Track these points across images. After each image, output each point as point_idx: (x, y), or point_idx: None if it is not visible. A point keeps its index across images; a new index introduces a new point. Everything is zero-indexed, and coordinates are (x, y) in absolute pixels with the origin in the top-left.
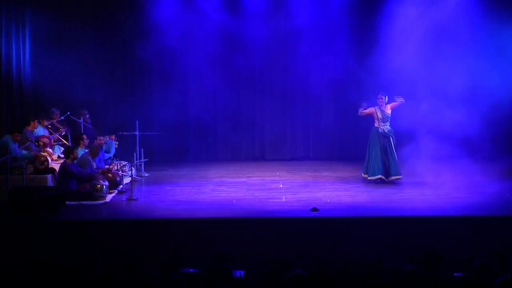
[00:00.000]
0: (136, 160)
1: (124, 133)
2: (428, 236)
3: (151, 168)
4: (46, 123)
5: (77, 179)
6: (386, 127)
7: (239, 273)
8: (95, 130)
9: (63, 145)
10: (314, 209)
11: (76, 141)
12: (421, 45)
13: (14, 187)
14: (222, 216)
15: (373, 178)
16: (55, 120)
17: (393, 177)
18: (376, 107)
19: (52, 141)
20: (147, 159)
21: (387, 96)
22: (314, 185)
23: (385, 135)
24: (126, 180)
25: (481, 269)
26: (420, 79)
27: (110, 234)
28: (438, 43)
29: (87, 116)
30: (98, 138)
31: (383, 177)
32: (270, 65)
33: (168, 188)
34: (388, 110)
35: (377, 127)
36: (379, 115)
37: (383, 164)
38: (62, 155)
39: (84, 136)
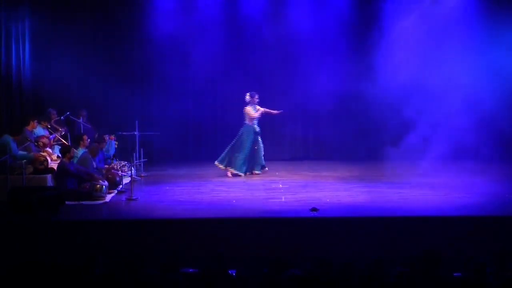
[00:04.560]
0: (136, 160)
1: (124, 133)
2: (427, 236)
3: (151, 168)
4: (46, 123)
5: (76, 178)
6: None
7: (231, 272)
8: (95, 130)
9: (62, 145)
10: (314, 209)
11: (77, 141)
12: (421, 47)
13: (14, 187)
14: (221, 216)
15: (239, 172)
16: (52, 121)
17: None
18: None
19: (52, 141)
20: (146, 159)
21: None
22: (314, 185)
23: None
24: (126, 180)
25: (480, 269)
26: (419, 81)
27: (109, 234)
28: (438, 45)
29: (86, 116)
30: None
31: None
32: (271, 65)
33: (167, 188)
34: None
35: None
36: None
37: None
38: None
39: (85, 136)
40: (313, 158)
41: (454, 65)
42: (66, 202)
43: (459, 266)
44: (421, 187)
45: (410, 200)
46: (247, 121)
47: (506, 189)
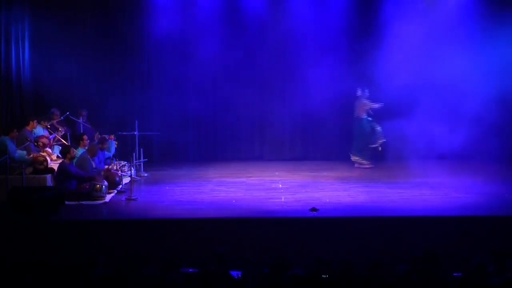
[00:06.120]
0: (136, 160)
1: (124, 133)
2: (427, 236)
3: (151, 168)
4: (46, 123)
5: (76, 179)
6: None
7: (236, 273)
8: (94, 130)
9: (62, 145)
10: (313, 209)
11: (77, 141)
12: (421, 46)
13: (14, 187)
14: (221, 216)
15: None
16: (55, 121)
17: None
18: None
19: (52, 141)
20: (146, 159)
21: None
22: (313, 185)
23: None
24: (126, 180)
25: (480, 269)
26: (420, 80)
27: (109, 234)
28: (439, 44)
29: (86, 116)
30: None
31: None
32: (271, 65)
33: (167, 188)
34: None
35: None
36: None
37: None
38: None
39: (85, 137)
40: (313, 158)
41: (455, 65)
42: (66, 202)
43: (459, 266)
44: (421, 187)
45: (410, 200)
46: (361, 114)
47: (505, 189)
